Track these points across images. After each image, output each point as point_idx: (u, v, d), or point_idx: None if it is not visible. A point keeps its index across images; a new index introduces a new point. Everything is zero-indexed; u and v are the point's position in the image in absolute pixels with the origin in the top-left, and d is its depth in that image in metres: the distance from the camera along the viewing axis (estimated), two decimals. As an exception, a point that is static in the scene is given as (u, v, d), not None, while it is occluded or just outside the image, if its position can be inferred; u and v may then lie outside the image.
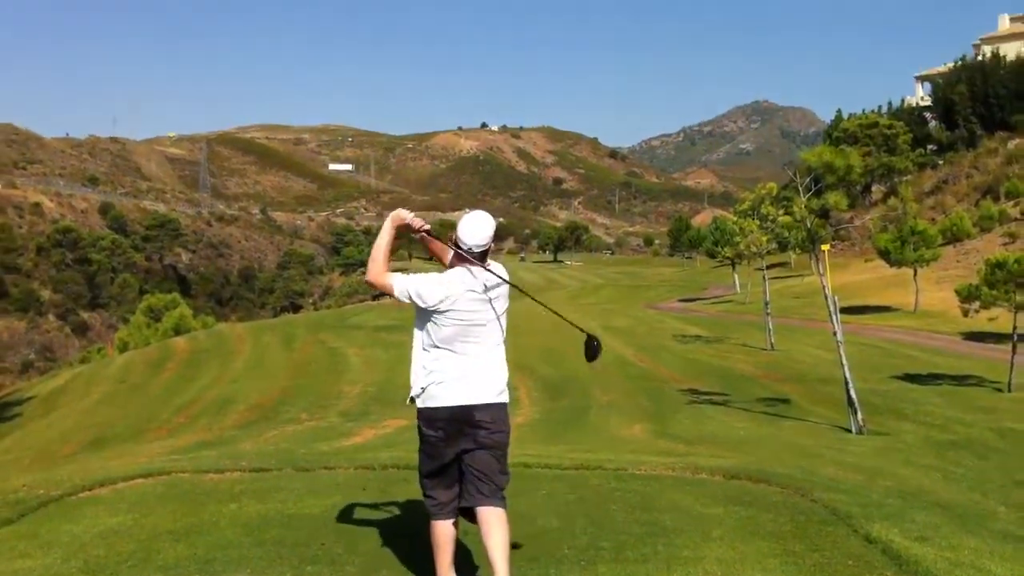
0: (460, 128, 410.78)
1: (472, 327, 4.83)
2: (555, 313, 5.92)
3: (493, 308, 4.89)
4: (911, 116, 74.82)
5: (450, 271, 5.00)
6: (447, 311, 4.83)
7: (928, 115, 76.62)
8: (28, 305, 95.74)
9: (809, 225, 16.39)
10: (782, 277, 55.04)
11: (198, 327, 48.15)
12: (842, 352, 15.27)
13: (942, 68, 79.84)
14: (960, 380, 20.66)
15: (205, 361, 30.68)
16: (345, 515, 6.36)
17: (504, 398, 4.88)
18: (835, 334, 15.53)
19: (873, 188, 69.63)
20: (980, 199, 53.67)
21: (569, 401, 19.20)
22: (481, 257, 4.93)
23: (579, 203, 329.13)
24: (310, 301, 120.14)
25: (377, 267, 5.07)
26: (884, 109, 76.96)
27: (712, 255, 68.39)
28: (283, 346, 32.99)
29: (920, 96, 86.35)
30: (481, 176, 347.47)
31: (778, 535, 5.88)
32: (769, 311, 29.28)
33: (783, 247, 44.75)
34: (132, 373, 30.91)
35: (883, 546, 5.62)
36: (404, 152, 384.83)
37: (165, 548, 5.65)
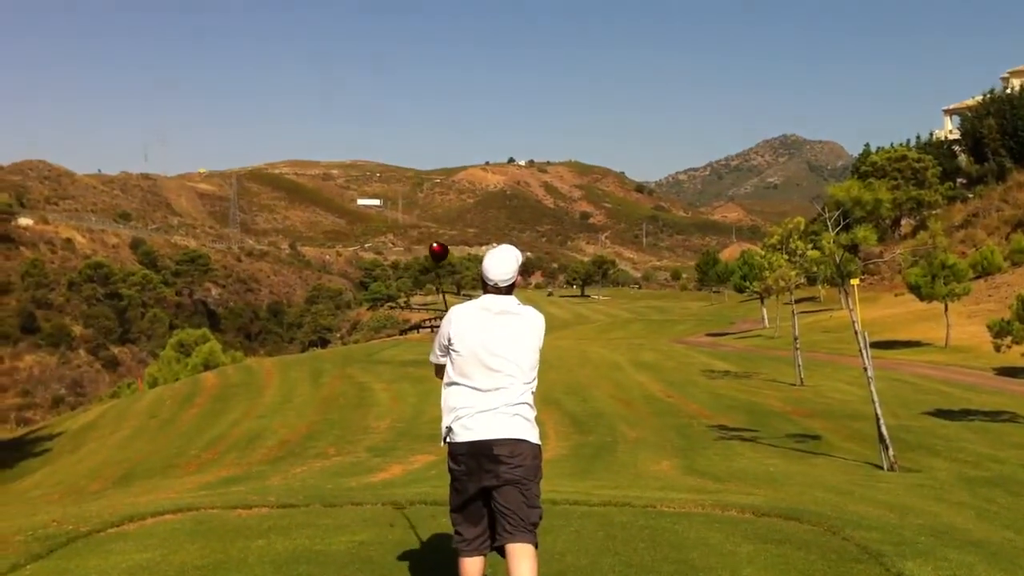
0: (487, 163, 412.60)
1: (489, 357, 4.83)
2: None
3: (512, 340, 4.88)
4: (940, 149, 74.46)
5: (467, 303, 5.06)
6: (460, 342, 4.89)
7: (957, 148, 76.23)
8: (59, 340, 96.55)
9: (838, 260, 16.31)
10: (811, 311, 54.70)
11: (227, 362, 48.35)
12: (872, 388, 15.13)
13: (971, 101, 79.53)
14: (993, 416, 20.41)
15: (234, 396, 30.78)
16: (373, 551, 6.35)
17: (526, 434, 4.83)
18: (865, 369, 15.39)
19: (903, 222, 69.24)
20: (1011, 232, 53.24)
21: (596, 436, 19.11)
22: (507, 290, 4.98)
23: (606, 237, 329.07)
24: (338, 336, 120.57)
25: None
26: (912, 142, 76.63)
27: (740, 289, 68.09)
28: (311, 381, 33.06)
29: (949, 129, 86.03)
30: (508, 211, 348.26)
31: (809, 573, 5.82)
32: (798, 346, 29.08)
33: (812, 281, 44.51)
34: (161, 408, 31.05)
35: (916, 586, 5.55)
36: (431, 187, 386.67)
37: (193, 585, 5.65)
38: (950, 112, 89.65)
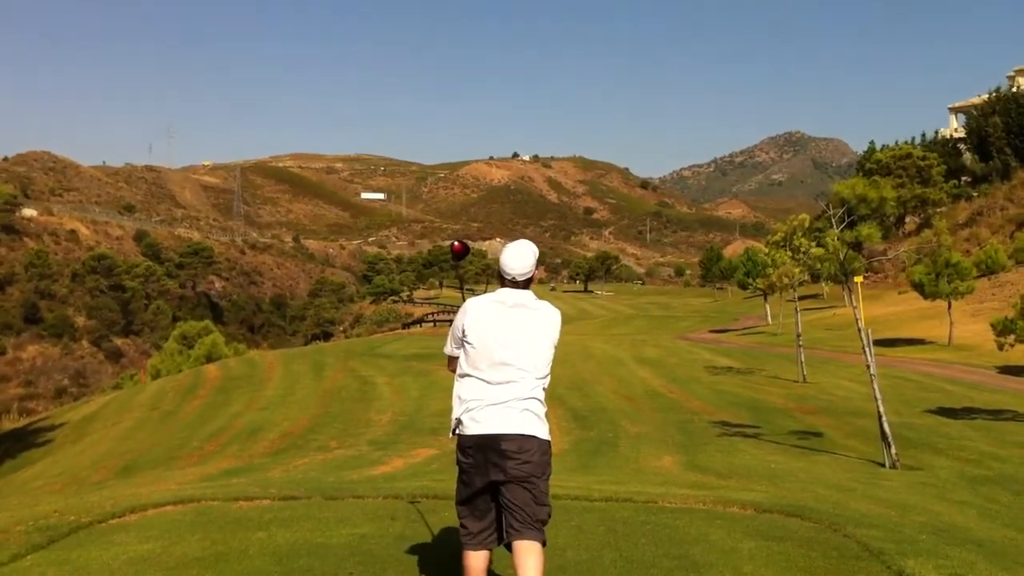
0: (491, 158, 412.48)
1: (501, 350, 4.84)
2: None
3: (526, 334, 4.88)
4: (945, 147, 74.40)
5: (483, 295, 5.09)
6: (473, 333, 4.91)
7: (962, 146, 76.14)
8: (62, 331, 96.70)
9: (842, 257, 16.28)
10: (814, 308, 54.66)
11: (230, 354, 48.40)
12: (875, 385, 15.11)
13: (976, 99, 79.47)
14: (996, 415, 20.38)
15: (236, 388, 30.79)
16: (374, 544, 6.35)
17: (535, 430, 4.81)
18: (868, 367, 15.37)
19: (907, 220, 69.19)
20: (1015, 231, 53.11)
21: (598, 431, 19.10)
22: (524, 284, 5.02)
23: (610, 233, 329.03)
24: (340, 329, 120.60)
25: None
26: (917, 140, 76.58)
27: (744, 286, 68.09)
28: (313, 374, 33.07)
29: (954, 127, 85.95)
30: (512, 205, 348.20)
31: (810, 570, 5.81)
32: (801, 343, 29.05)
33: (815, 279, 44.46)
34: (164, 400, 31.08)
35: (917, 584, 5.54)
36: (436, 181, 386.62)
37: (194, 576, 5.66)
38: (955, 110, 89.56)
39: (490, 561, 4.95)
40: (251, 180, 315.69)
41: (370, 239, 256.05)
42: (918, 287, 37.87)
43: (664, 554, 6.16)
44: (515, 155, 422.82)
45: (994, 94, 73.11)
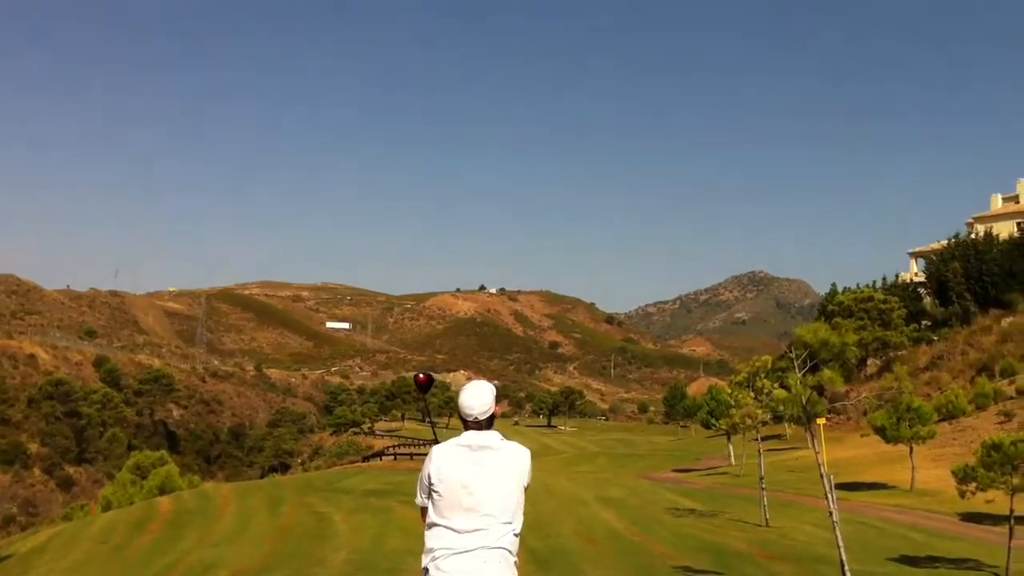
0: (458, 290, 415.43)
1: (466, 497, 4.75)
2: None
3: (492, 477, 4.80)
4: (905, 291, 75.65)
5: (448, 441, 5.03)
6: (439, 482, 4.83)
7: (922, 291, 77.51)
8: (14, 458, 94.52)
9: (804, 400, 16.32)
10: (777, 449, 54.53)
11: (184, 486, 47.38)
12: (838, 532, 14.97)
13: (936, 245, 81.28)
14: (958, 564, 20.20)
15: (188, 523, 30.06)
16: None
17: None
18: (831, 513, 15.26)
19: (868, 362, 69.78)
20: (975, 376, 53.68)
21: (559, 575, 18.71)
22: (488, 423, 4.99)
23: (574, 367, 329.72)
24: (299, 461, 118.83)
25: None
26: (878, 284, 77.88)
27: (707, 425, 68.03)
28: (268, 509, 32.39)
29: (914, 272, 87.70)
30: (478, 338, 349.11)
31: None
32: (764, 485, 28.86)
33: (778, 419, 44.49)
34: (114, 533, 30.24)
35: None
36: (402, 312, 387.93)
37: None
38: (916, 255, 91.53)
39: None
40: (216, 307, 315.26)
41: (333, 369, 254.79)
42: (880, 431, 37.93)
43: None
44: (482, 288, 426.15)
45: (953, 240, 74.83)
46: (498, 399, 5.17)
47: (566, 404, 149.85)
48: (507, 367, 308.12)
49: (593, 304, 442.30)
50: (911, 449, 37.11)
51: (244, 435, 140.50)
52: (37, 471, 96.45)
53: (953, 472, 20.90)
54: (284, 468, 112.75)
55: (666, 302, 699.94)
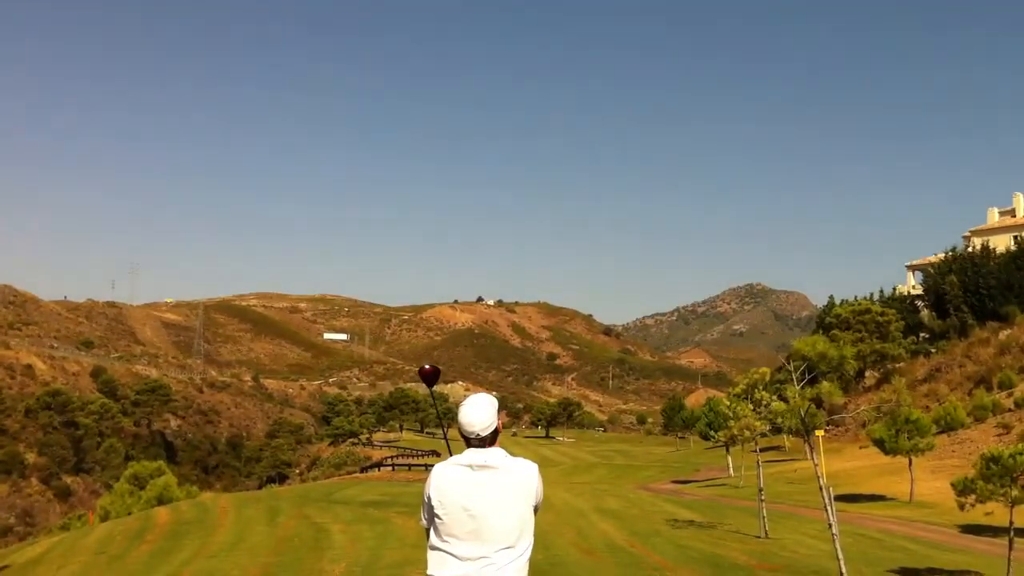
0: (456, 301, 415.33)
1: (469, 521, 4.52)
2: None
3: (495, 498, 4.56)
4: (903, 304, 75.72)
5: (450, 459, 4.79)
6: (440, 505, 4.60)
7: (920, 303, 77.57)
8: (12, 468, 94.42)
9: (803, 413, 16.31)
10: (776, 461, 54.48)
11: (182, 496, 47.27)
12: (837, 544, 14.95)
13: (933, 258, 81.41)
14: (958, 576, 20.16)
15: (186, 534, 29.95)
16: None
17: None
18: (830, 525, 15.24)
19: (867, 374, 69.79)
20: (973, 388, 53.70)
21: (557, 587, 18.66)
22: (491, 440, 4.72)
23: (572, 379, 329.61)
24: (297, 472, 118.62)
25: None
26: (876, 296, 77.95)
27: (706, 437, 67.98)
28: (266, 520, 32.28)
29: (912, 285, 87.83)
30: (475, 349, 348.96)
31: None
32: (763, 497, 28.82)
33: (777, 431, 44.48)
34: (112, 544, 30.13)
35: None
36: (399, 323, 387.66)
37: None
38: (913, 268, 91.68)
39: None
40: (213, 318, 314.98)
41: (331, 380, 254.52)
42: (878, 443, 37.93)
43: None
44: (479, 299, 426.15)
45: (950, 253, 74.91)
46: (501, 408, 4.96)
47: (564, 415, 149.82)
48: (505, 378, 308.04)
49: (591, 316, 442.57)
50: (910, 461, 37.10)
51: (242, 446, 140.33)
52: (35, 481, 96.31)
53: (952, 484, 20.87)
54: (282, 479, 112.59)
55: (664, 314, 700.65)
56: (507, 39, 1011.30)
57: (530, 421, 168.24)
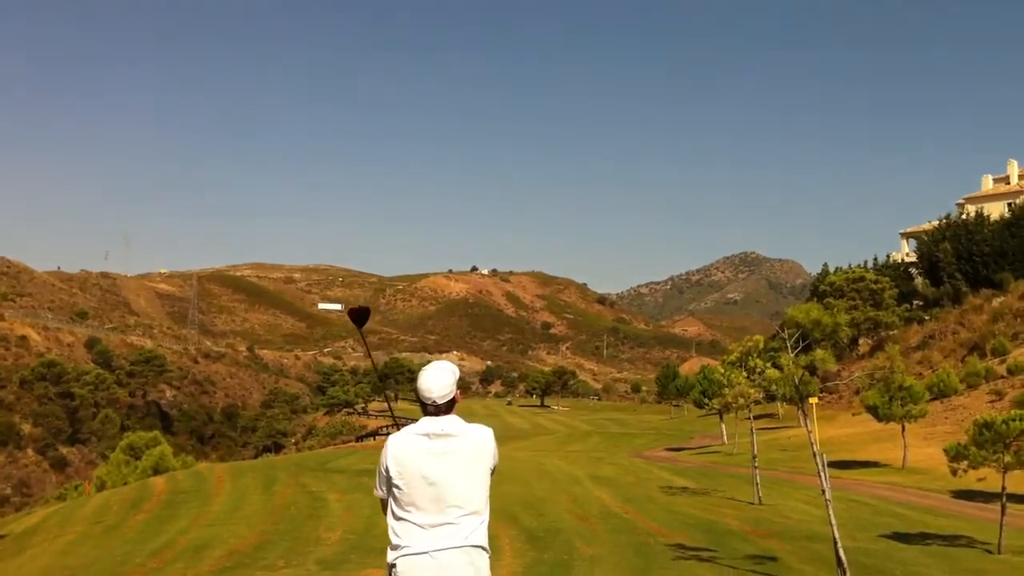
0: (450, 271, 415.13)
1: (430, 489, 4.54)
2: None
3: (454, 465, 4.58)
4: (897, 272, 75.86)
5: (404, 429, 4.78)
6: (399, 474, 4.60)
7: (914, 271, 77.70)
8: (7, 439, 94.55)
9: (796, 380, 16.36)
10: (770, 428, 54.74)
11: (178, 466, 47.42)
12: (830, 510, 15.04)
13: (927, 225, 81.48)
14: (950, 540, 20.32)
15: (183, 503, 30.08)
16: None
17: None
18: (823, 491, 15.32)
19: (860, 341, 70.01)
20: (966, 355, 53.91)
21: (552, 554, 18.77)
22: (447, 408, 4.72)
23: (567, 348, 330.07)
24: (293, 441, 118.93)
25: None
26: (870, 264, 78.05)
27: (700, 404, 68.18)
28: (263, 489, 32.41)
29: (905, 252, 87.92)
30: (470, 319, 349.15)
31: None
32: (756, 464, 28.99)
33: (771, 398, 44.64)
34: (108, 513, 30.25)
35: None
36: (394, 293, 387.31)
37: None
38: (907, 235, 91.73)
39: None
40: (208, 288, 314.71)
41: (326, 350, 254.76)
42: (872, 410, 38.12)
43: None
44: (474, 269, 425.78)
45: (944, 220, 74.97)
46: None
47: (559, 384, 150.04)
48: (500, 347, 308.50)
49: (585, 285, 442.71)
50: (903, 428, 37.30)
51: (237, 416, 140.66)
52: (30, 452, 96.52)
53: (945, 450, 21.01)
54: (278, 448, 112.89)
55: (658, 283, 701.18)
56: (504, 19, 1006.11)
57: (525, 390, 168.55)
